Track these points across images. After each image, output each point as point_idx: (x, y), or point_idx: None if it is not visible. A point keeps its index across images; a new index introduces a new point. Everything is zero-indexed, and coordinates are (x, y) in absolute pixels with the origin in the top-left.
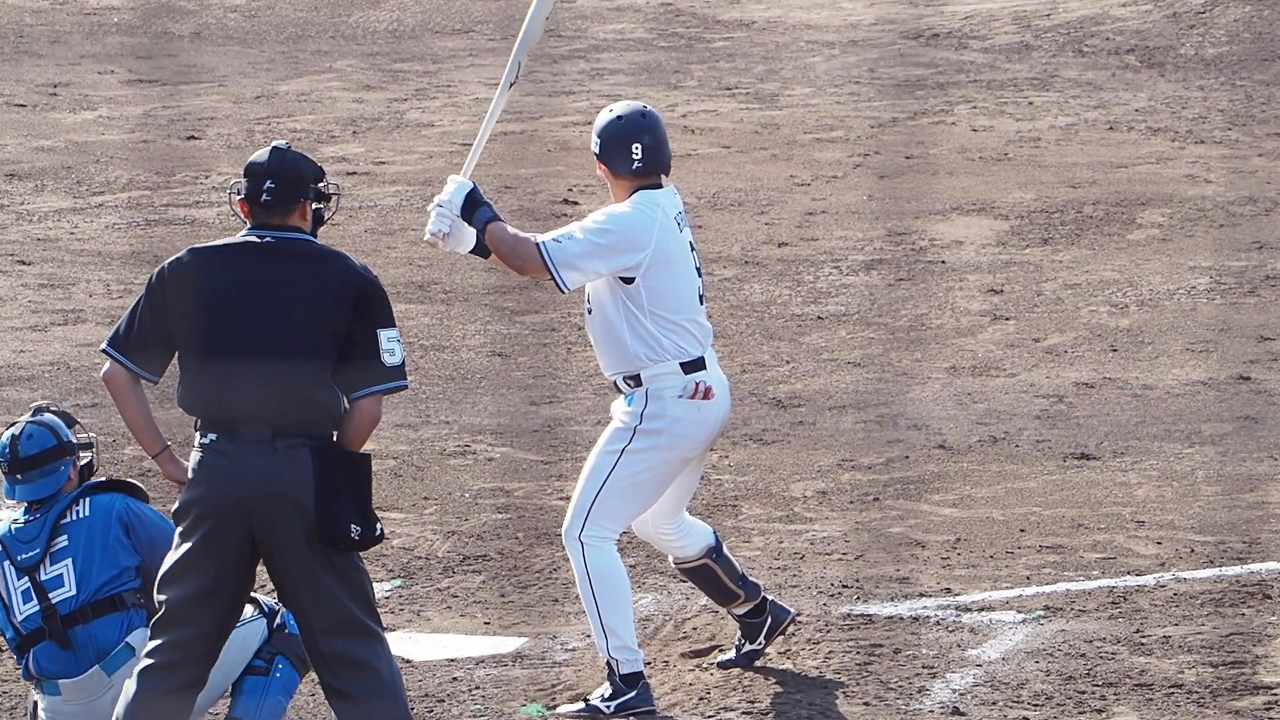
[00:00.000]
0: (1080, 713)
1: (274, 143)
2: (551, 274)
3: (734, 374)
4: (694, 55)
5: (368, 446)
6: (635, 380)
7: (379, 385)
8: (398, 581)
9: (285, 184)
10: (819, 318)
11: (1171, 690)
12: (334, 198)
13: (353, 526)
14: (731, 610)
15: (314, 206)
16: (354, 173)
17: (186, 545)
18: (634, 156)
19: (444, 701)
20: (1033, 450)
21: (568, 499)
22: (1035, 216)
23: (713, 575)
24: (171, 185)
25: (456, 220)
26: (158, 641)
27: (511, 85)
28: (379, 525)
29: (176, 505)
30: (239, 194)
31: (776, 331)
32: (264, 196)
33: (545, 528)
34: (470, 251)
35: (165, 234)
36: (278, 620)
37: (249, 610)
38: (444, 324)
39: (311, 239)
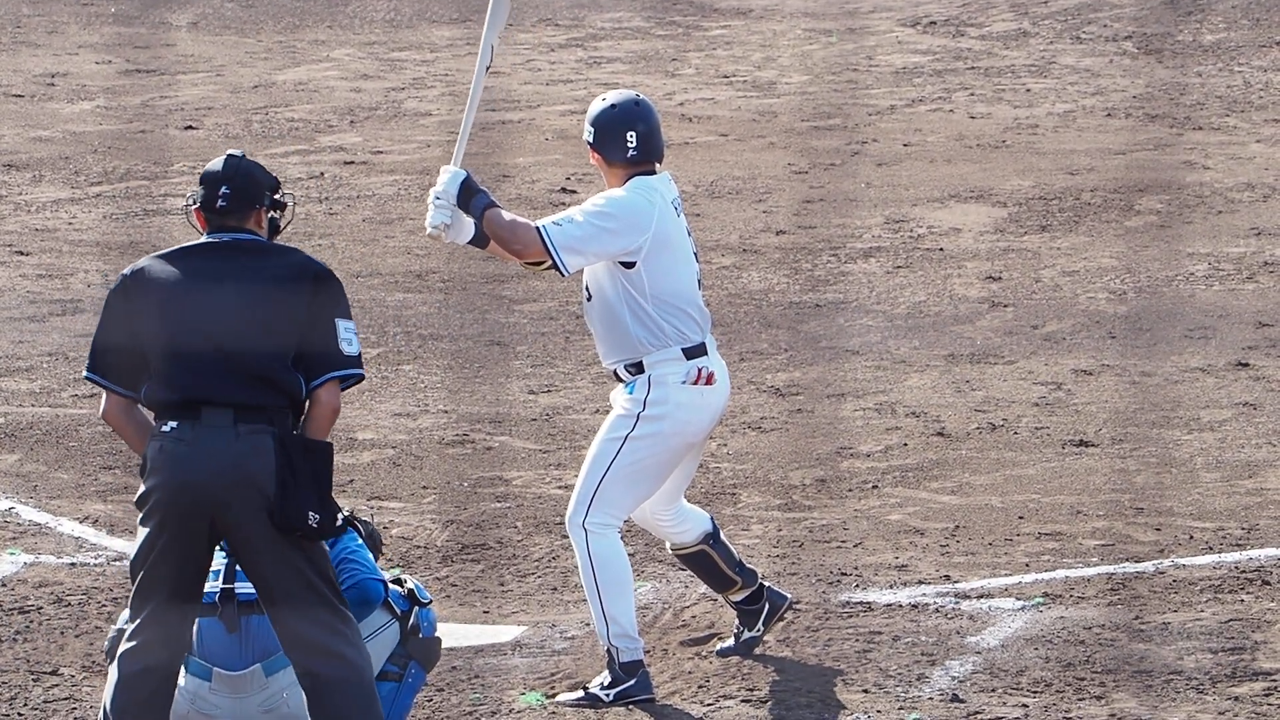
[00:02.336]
0: (1079, 699)
1: (229, 151)
2: (552, 257)
3: (732, 362)
4: (691, 43)
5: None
6: (637, 368)
7: (336, 371)
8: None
9: (240, 190)
10: (817, 305)
11: (1170, 677)
12: (290, 207)
13: (311, 515)
14: (728, 597)
15: (270, 215)
16: (351, 162)
17: (149, 530)
18: (628, 145)
19: (443, 690)
20: (1031, 437)
21: (566, 488)
22: (1033, 203)
23: (710, 562)
24: (169, 175)
25: (455, 210)
26: (133, 625)
27: (487, 69)
28: (339, 514)
29: (138, 494)
30: (195, 203)
31: (775, 319)
32: (219, 203)
33: (544, 517)
34: (469, 242)
35: (163, 224)
36: (411, 622)
37: (382, 615)
38: (442, 313)
39: (266, 241)
